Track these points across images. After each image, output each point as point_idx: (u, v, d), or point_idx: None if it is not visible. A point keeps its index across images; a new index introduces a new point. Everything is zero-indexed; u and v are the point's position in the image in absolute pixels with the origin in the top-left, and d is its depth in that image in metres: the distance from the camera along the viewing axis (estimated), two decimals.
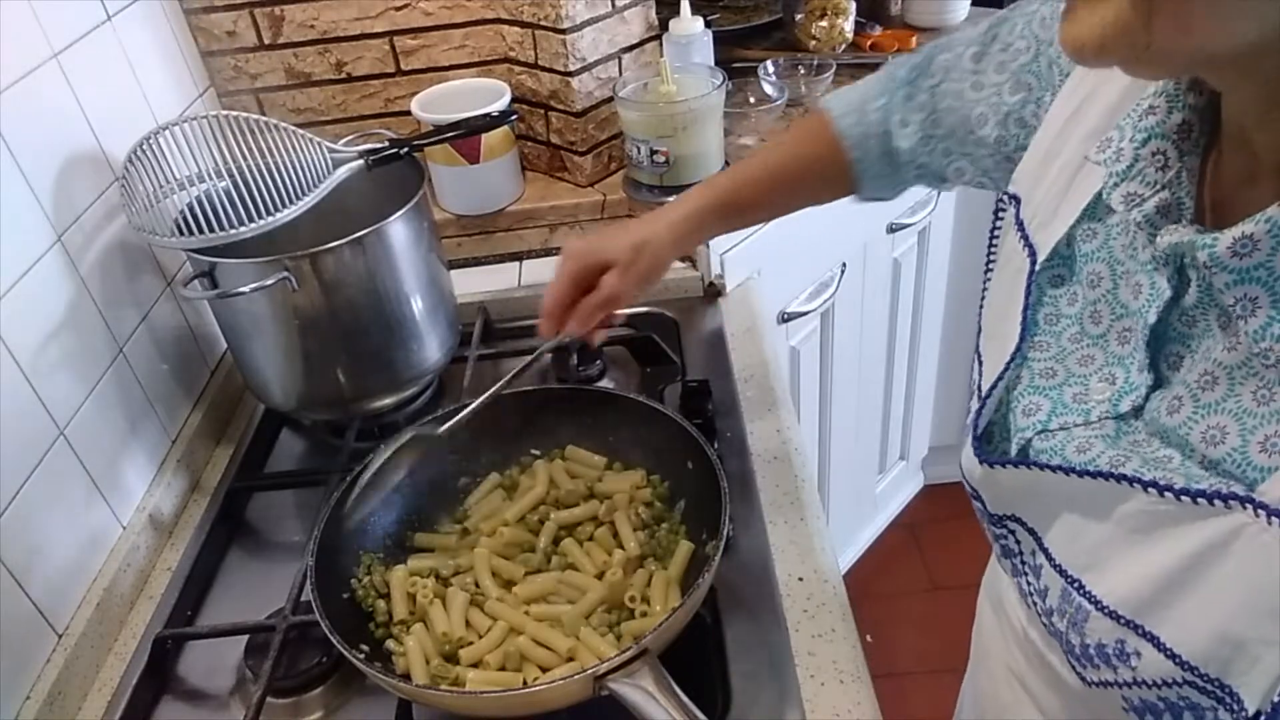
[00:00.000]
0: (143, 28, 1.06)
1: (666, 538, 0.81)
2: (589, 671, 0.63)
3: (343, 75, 1.26)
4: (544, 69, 1.21)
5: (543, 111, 1.26)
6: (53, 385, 0.84)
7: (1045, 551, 0.51)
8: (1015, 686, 0.66)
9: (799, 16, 1.54)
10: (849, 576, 1.38)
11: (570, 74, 1.18)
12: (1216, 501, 0.40)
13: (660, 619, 0.67)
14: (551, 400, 0.90)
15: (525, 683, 0.71)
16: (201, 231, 0.88)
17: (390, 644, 0.77)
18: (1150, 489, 0.43)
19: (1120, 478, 0.44)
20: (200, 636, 0.85)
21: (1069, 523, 0.49)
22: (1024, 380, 0.54)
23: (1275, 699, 0.38)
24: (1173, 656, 0.42)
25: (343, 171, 0.95)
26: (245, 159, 0.91)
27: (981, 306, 0.61)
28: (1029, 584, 0.54)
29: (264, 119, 0.92)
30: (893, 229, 1.59)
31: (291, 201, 0.90)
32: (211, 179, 0.93)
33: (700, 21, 1.26)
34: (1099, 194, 0.50)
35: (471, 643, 0.75)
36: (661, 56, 1.23)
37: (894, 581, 2.02)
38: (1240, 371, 0.42)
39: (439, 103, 1.20)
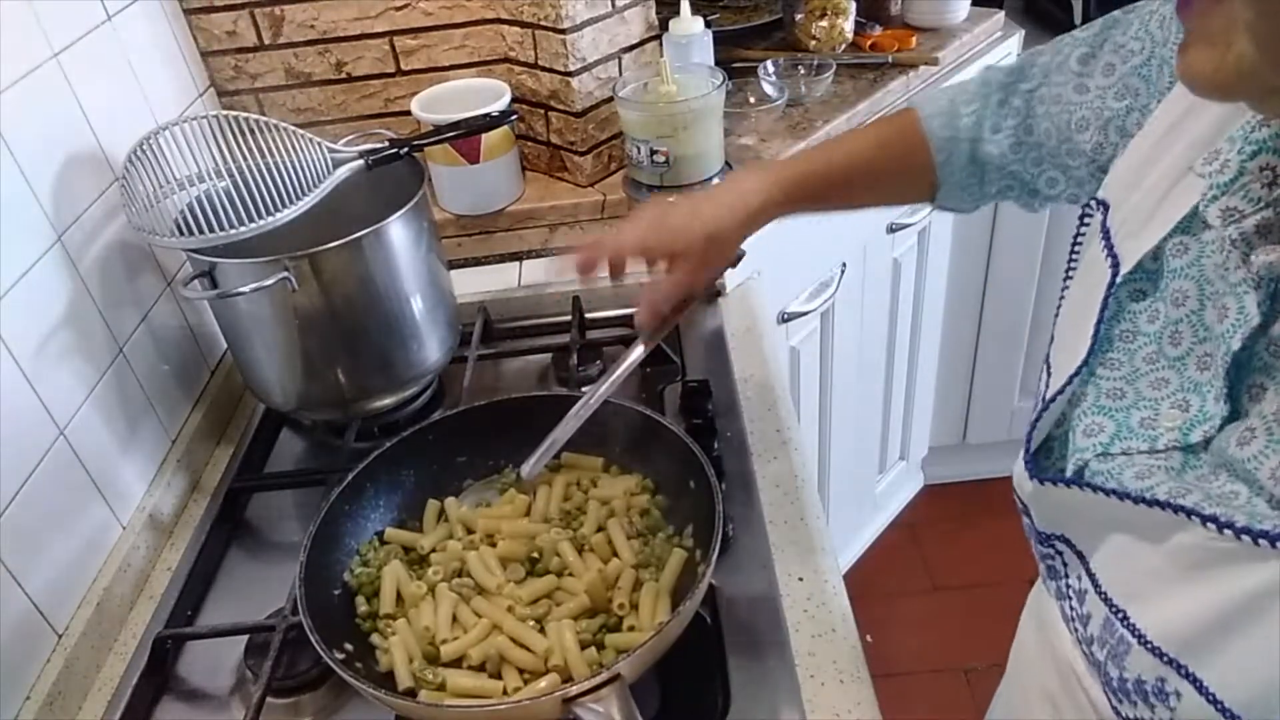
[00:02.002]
0: (143, 28, 1.06)
1: (661, 547, 0.80)
2: (557, 694, 0.63)
3: (343, 75, 1.26)
4: (544, 69, 1.21)
5: (543, 111, 1.26)
6: (53, 385, 0.84)
7: (1092, 577, 0.49)
8: (1048, 709, 0.63)
9: (799, 16, 1.54)
10: (849, 576, 1.38)
11: (570, 74, 1.18)
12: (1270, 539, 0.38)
13: (640, 640, 0.67)
14: (553, 406, 0.90)
15: (505, 690, 0.71)
16: (201, 231, 0.88)
17: (375, 639, 0.77)
18: (1209, 523, 0.40)
19: (1179, 508, 0.42)
20: (200, 636, 0.85)
21: (1119, 550, 0.47)
22: (1089, 398, 0.51)
23: None
24: (1215, 702, 0.40)
25: (343, 171, 0.95)
26: (245, 159, 0.91)
27: (1057, 315, 0.58)
28: (1073, 609, 0.53)
29: (264, 119, 0.92)
30: (893, 229, 1.59)
31: (291, 201, 0.90)
32: (211, 179, 0.93)
33: (700, 21, 1.26)
34: (1196, 207, 0.47)
35: (456, 638, 0.75)
36: (661, 56, 1.23)
37: (894, 581, 2.02)
38: None
39: (439, 103, 1.20)
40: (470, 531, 0.85)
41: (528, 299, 1.22)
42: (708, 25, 1.28)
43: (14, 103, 0.82)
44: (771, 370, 1.07)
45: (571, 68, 1.18)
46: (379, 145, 0.98)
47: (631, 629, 0.74)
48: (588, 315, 1.18)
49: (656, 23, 1.26)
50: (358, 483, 0.83)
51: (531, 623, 0.75)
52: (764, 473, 0.94)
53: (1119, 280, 0.50)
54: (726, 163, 1.22)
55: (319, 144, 0.94)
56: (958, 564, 2.03)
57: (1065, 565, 0.53)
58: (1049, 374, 0.56)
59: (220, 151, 0.94)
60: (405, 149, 0.98)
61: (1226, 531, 0.39)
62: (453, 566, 0.81)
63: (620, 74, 1.23)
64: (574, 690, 0.63)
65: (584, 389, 0.89)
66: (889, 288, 1.68)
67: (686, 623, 0.69)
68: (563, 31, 1.15)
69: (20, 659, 0.77)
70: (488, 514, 0.86)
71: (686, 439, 0.81)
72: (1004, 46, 1.62)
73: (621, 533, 0.81)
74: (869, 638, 1.84)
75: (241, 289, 0.88)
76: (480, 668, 0.74)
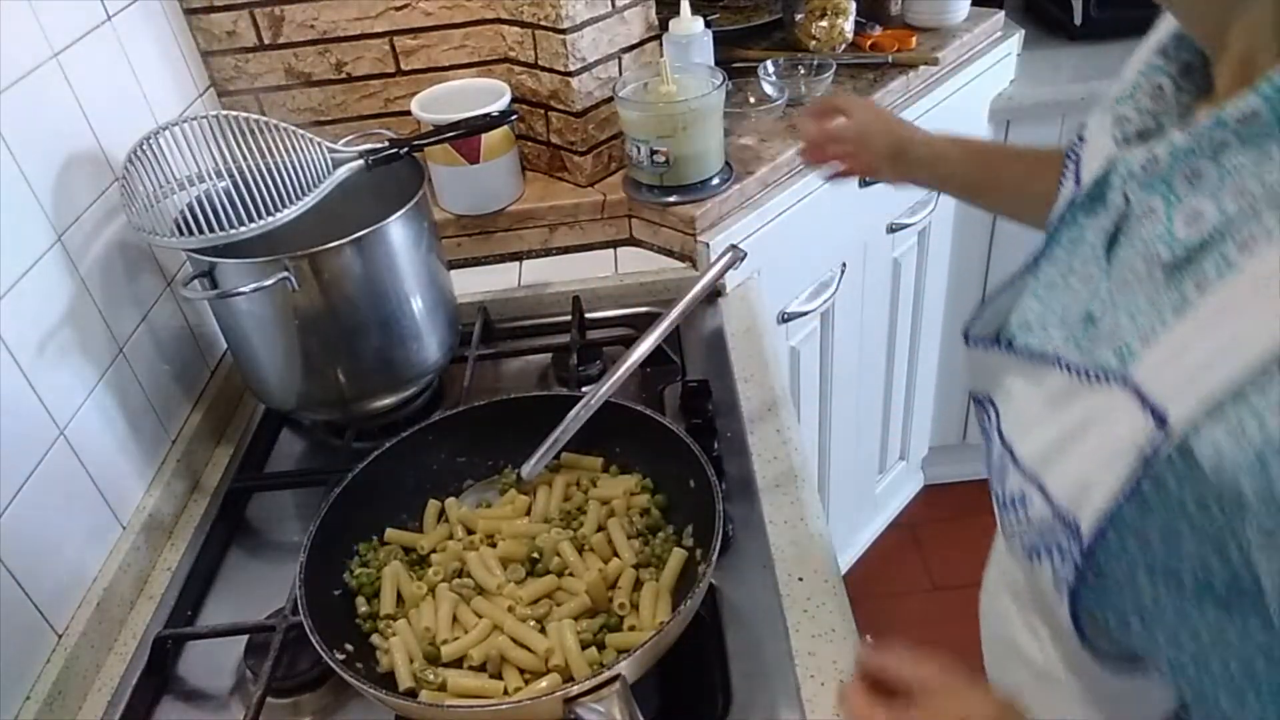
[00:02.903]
0: (143, 28, 1.06)
1: (661, 546, 0.80)
2: (558, 694, 0.63)
3: (343, 75, 1.26)
4: (544, 69, 1.21)
5: (543, 111, 1.26)
6: (53, 385, 0.84)
7: (999, 427, 0.57)
8: (1005, 596, 0.68)
9: (799, 16, 1.54)
10: (849, 576, 1.38)
11: (570, 74, 1.18)
12: (1098, 377, 0.47)
13: (640, 640, 0.67)
14: (553, 406, 0.90)
15: (506, 691, 0.71)
16: (201, 231, 0.88)
17: (375, 639, 0.77)
18: (1061, 366, 0.50)
19: (1048, 357, 0.52)
20: (200, 636, 0.85)
21: (1016, 398, 0.55)
22: (1030, 287, 0.58)
23: (1100, 526, 0.45)
24: (1051, 505, 0.49)
25: (343, 171, 0.95)
26: (245, 159, 0.91)
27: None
28: (990, 454, 0.60)
29: (264, 119, 0.92)
30: (893, 229, 1.59)
31: (291, 201, 0.90)
32: (211, 179, 0.93)
33: (700, 21, 1.26)
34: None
35: (456, 638, 0.75)
36: (661, 56, 1.23)
37: (894, 581, 2.02)
38: (1140, 274, 0.47)
39: (439, 103, 1.20)
40: (470, 532, 0.85)
41: (528, 299, 1.22)
42: (708, 25, 1.28)
43: (14, 103, 0.82)
44: (771, 370, 1.07)
45: (571, 68, 1.18)
46: (379, 145, 0.98)
47: (632, 629, 0.74)
48: (588, 315, 1.18)
49: (656, 23, 1.26)
50: (358, 483, 0.83)
51: (532, 623, 0.75)
52: (764, 473, 0.94)
53: (1076, 200, 0.56)
54: (727, 163, 1.22)
55: (319, 144, 0.94)
56: (958, 564, 2.03)
57: (988, 420, 0.61)
58: None
59: (220, 151, 0.94)
60: (405, 149, 0.98)
61: (1068, 371, 0.49)
62: (453, 567, 0.81)
63: (620, 74, 1.23)
64: (575, 690, 0.63)
65: (584, 389, 0.89)
66: (889, 288, 1.68)
67: (687, 623, 0.69)
68: (563, 31, 1.15)
69: (20, 659, 0.77)
70: (488, 514, 0.86)
71: (686, 439, 0.81)
72: (1004, 46, 1.62)
73: (622, 532, 0.81)
74: (869, 638, 1.84)
75: (241, 289, 0.88)
76: (481, 668, 0.74)
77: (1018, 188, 0.84)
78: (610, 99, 1.23)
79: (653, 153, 1.15)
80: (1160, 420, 0.41)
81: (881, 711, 0.56)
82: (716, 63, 1.29)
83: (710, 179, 1.19)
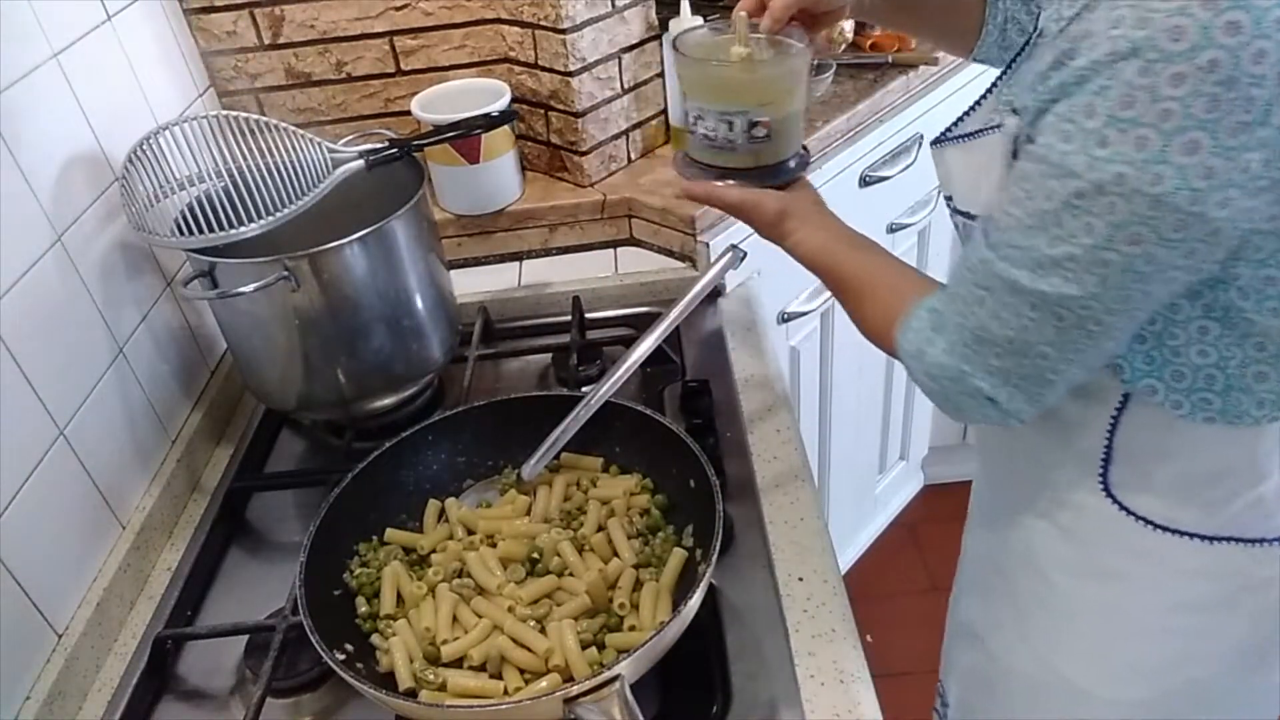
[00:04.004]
0: (143, 28, 1.06)
1: (661, 546, 0.80)
2: (558, 694, 0.63)
3: (343, 75, 1.26)
4: (544, 69, 1.21)
5: (543, 111, 1.26)
6: (53, 385, 0.84)
7: (949, 200, 0.75)
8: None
9: None
10: (849, 576, 1.38)
11: (570, 74, 1.18)
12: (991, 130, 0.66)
13: (640, 640, 0.67)
14: (553, 406, 0.90)
15: (506, 691, 0.71)
16: (201, 231, 0.88)
17: (375, 639, 0.77)
18: (993, 130, 0.65)
19: (993, 128, 0.66)
20: (200, 636, 0.85)
21: (968, 174, 0.71)
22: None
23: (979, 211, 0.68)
24: (962, 213, 0.73)
25: (343, 171, 0.95)
26: (245, 159, 0.91)
27: None
28: (957, 229, 0.78)
29: (264, 119, 0.92)
30: (893, 229, 1.59)
31: (291, 201, 0.90)
32: (211, 179, 0.93)
33: (700, 21, 1.26)
34: None
35: (456, 638, 0.75)
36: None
37: (894, 581, 2.02)
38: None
39: (439, 103, 1.20)
40: (470, 532, 0.85)
41: (528, 299, 1.22)
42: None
43: (14, 103, 0.82)
44: (771, 370, 1.07)
45: (571, 68, 1.18)
46: (379, 145, 0.97)
47: (632, 629, 0.74)
48: (588, 315, 1.18)
49: (656, 23, 1.26)
50: (358, 483, 0.83)
51: (532, 623, 0.75)
52: (764, 473, 0.94)
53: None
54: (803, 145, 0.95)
55: (319, 144, 0.94)
56: (957, 564, 2.02)
57: (949, 210, 0.77)
58: None
59: (220, 151, 0.94)
60: (405, 149, 0.98)
61: (1001, 128, 0.64)
62: (453, 567, 0.81)
63: (620, 74, 1.23)
64: (575, 690, 0.63)
65: (584, 389, 0.89)
66: None
67: (687, 623, 0.69)
68: (563, 31, 1.15)
69: (20, 659, 0.77)
70: (488, 514, 0.86)
71: (686, 439, 0.81)
72: None
73: (622, 532, 0.81)
74: (869, 638, 1.84)
75: (241, 289, 0.88)
76: (481, 668, 0.74)
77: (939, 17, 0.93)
78: (610, 100, 1.23)
79: (751, 125, 0.87)
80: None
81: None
82: None
83: (790, 160, 0.91)
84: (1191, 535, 0.70)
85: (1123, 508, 0.72)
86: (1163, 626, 0.74)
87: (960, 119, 0.73)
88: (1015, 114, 0.63)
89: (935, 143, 0.75)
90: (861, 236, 0.84)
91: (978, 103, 0.71)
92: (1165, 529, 0.71)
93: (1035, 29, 0.64)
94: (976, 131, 0.69)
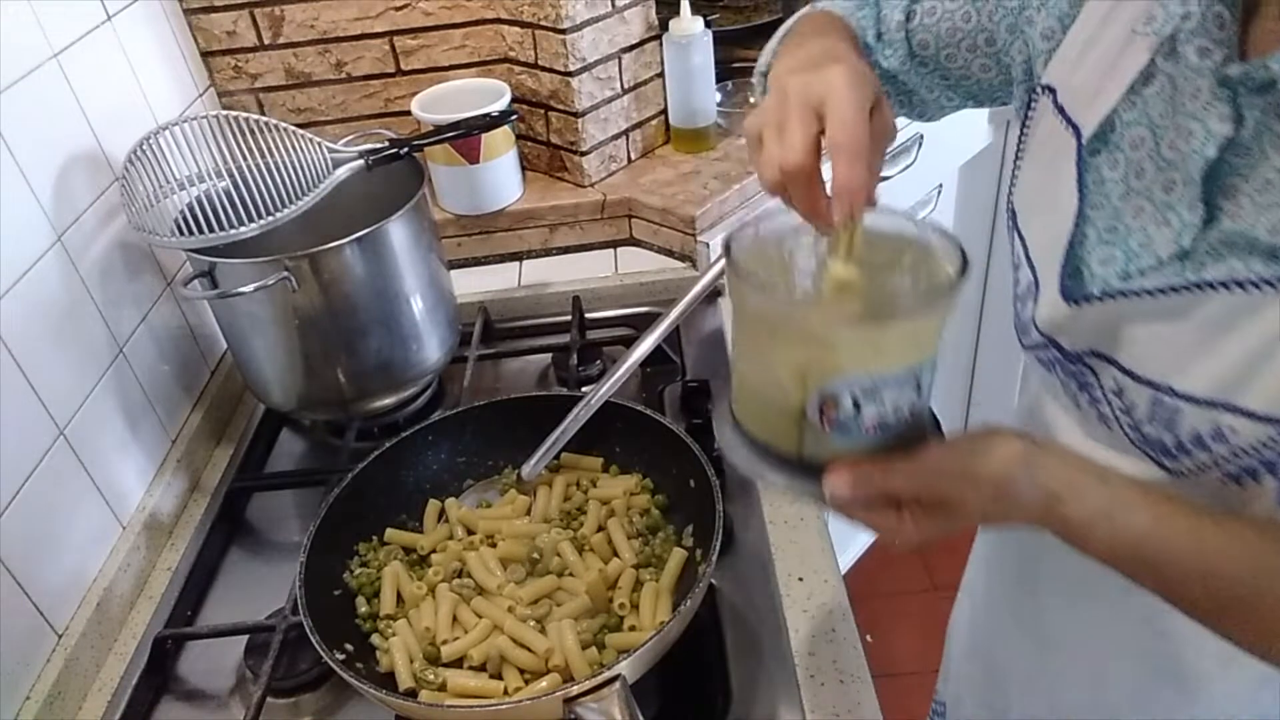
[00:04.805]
0: (143, 28, 1.06)
1: (661, 546, 0.80)
2: (558, 694, 0.63)
3: (343, 75, 1.26)
4: (544, 69, 1.21)
5: (543, 111, 1.26)
6: (53, 385, 0.84)
7: (1128, 373, 0.57)
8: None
9: None
10: (849, 576, 1.38)
11: (570, 74, 1.18)
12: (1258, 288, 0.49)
13: (640, 640, 0.67)
14: (553, 406, 0.90)
15: (506, 691, 0.71)
16: (201, 231, 0.88)
17: (375, 639, 0.77)
18: (1231, 287, 0.50)
19: (1202, 285, 0.52)
20: (200, 636, 0.85)
21: (1150, 341, 0.56)
22: (1091, 237, 0.60)
23: None
24: (1261, 417, 0.50)
25: (343, 171, 0.95)
26: (245, 159, 0.91)
27: (1011, 195, 0.68)
28: (1112, 406, 0.60)
29: (264, 119, 0.92)
30: None
31: (291, 201, 0.90)
32: (211, 179, 0.93)
33: (700, 21, 1.26)
34: (1152, 61, 0.56)
35: (456, 638, 0.75)
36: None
37: (894, 581, 2.02)
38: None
39: (439, 103, 1.20)
40: (470, 532, 0.85)
41: (528, 299, 1.22)
42: (708, 25, 1.28)
43: (14, 103, 0.82)
44: None
45: (571, 68, 1.18)
46: (379, 145, 0.98)
47: (632, 629, 0.74)
48: (588, 315, 1.18)
49: (656, 23, 1.26)
50: (358, 483, 0.83)
51: (532, 623, 0.75)
52: None
53: (1085, 141, 0.60)
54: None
55: (319, 144, 0.94)
56: (958, 564, 2.02)
57: (1096, 374, 0.60)
58: (1022, 239, 0.65)
59: (220, 151, 0.94)
60: (405, 149, 0.98)
61: (1246, 287, 0.50)
62: (453, 567, 0.81)
63: (620, 74, 1.23)
64: (575, 690, 0.63)
65: (584, 389, 0.89)
66: None
67: (687, 623, 0.69)
68: (563, 31, 1.15)
69: (20, 659, 0.77)
70: (488, 514, 0.86)
71: (686, 439, 0.81)
72: None
73: (622, 532, 0.81)
74: (869, 638, 1.84)
75: (241, 289, 0.88)
76: (481, 668, 0.74)
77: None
78: (610, 100, 1.23)
79: (889, 406, 0.50)
80: None
81: (906, 517, 0.50)
82: (717, 63, 1.29)
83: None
84: None
85: None
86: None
87: (1131, 254, 0.56)
88: None
89: (1085, 296, 0.58)
90: (1167, 492, 0.53)
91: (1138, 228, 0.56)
92: None
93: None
94: (1204, 285, 0.51)
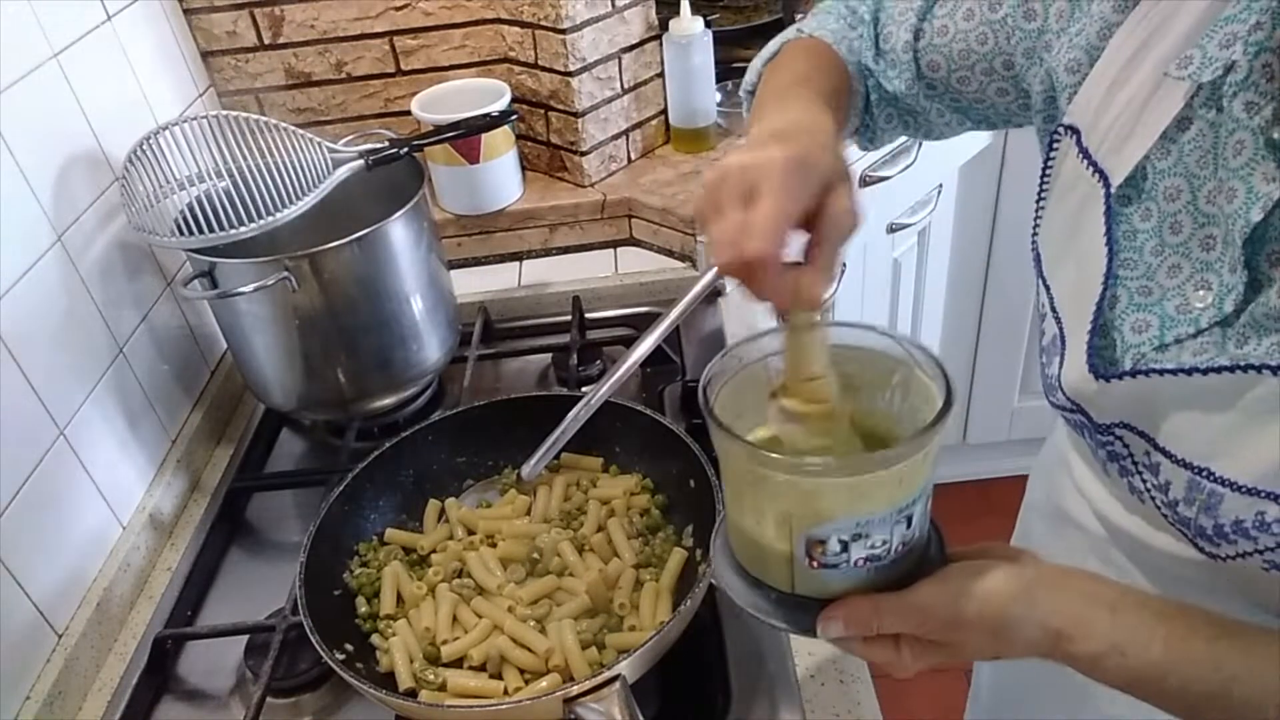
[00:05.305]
0: (143, 28, 1.06)
1: (661, 546, 0.80)
2: (558, 694, 0.63)
3: (343, 75, 1.26)
4: (544, 69, 1.21)
5: (543, 111, 1.26)
6: (53, 385, 0.84)
7: (1162, 450, 0.54)
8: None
9: (799, 16, 1.53)
10: None
11: (570, 74, 1.18)
12: None
13: (640, 640, 0.67)
14: (553, 406, 0.90)
15: (506, 691, 0.71)
16: (201, 231, 0.88)
17: (375, 639, 0.77)
18: (1261, 371, 0.47)
19: (1247, 368, 0.48)
20: (200, 636, 0.85)
21: (1188, 420, 0.52)
22: (1123, 299, 0.55)
23: None
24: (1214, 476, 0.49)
25: (343, 171, 0.95)
26: (245, 159, 0.91)
27: (1035, 236, 0.63)
28: (1145, 481, 0.56)
29: (264, 119, 0.92)
30: (893, 229, 1.59)
31: (291, 201, 0.90)
32: (211, 179, 0.93)
33: (700, 21, 1.26)
34: (1190, 104, 0.52)
35: (456, 638, 0.75)
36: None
37: None
38: None
39: (439, 103, 1.20)
40: (470, 532, 0.85)
41: (528, 299, 1.22)
42: (708, 25, 1.28)
43: (14, 103, 0.82)
44: None
45: (571, 68, 1.18)
46: (379, 145, 0.98)
47: (632, 629, 0.74)
48: (588, 315, 1.18)
49: (656, 23, 1.26)
50: (358, 483, 0.83)
51: (532, 623, 0.75)
52: None
53: (1113, 190, 0.55)
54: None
55: (319, 144, 0.94)
56: None
57: (1128, 446, 0.57)
58: (1048, 289, 0.61)
59: (220, 151, 0.94)
60: (405, 149, 0.98)
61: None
62: (453, 567, 0.81)
63: (620, 74, 1.23)
64: (575, 690, 0.63)
65: (584, 389, 0.89)
66: (889, 288, 1.68)
67: (687, 623, 0.69)
68: (563, 31, 1.15)
69: (20, 659, 0.77)
70: (488, 514, 0.86)
71: (686, 439, 0.81)
72: None
73: (622, 532, 0.81)
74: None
75: (241, 289, 0.88)
76: (481, 668, 0.74)
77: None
78: (610, 100, 1.23)
79: (879, 542, 0.49)
80: None
81: (904, 650, 0.50)
82: (717, 63, 1.29)
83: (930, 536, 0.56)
84: None
85: None
86: None
87: (1167, 319, 0.53)
88: None
89: (1117, 375, 0.55)
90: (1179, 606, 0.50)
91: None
92: None
93: None
94: (1250, 368, 0.48)
